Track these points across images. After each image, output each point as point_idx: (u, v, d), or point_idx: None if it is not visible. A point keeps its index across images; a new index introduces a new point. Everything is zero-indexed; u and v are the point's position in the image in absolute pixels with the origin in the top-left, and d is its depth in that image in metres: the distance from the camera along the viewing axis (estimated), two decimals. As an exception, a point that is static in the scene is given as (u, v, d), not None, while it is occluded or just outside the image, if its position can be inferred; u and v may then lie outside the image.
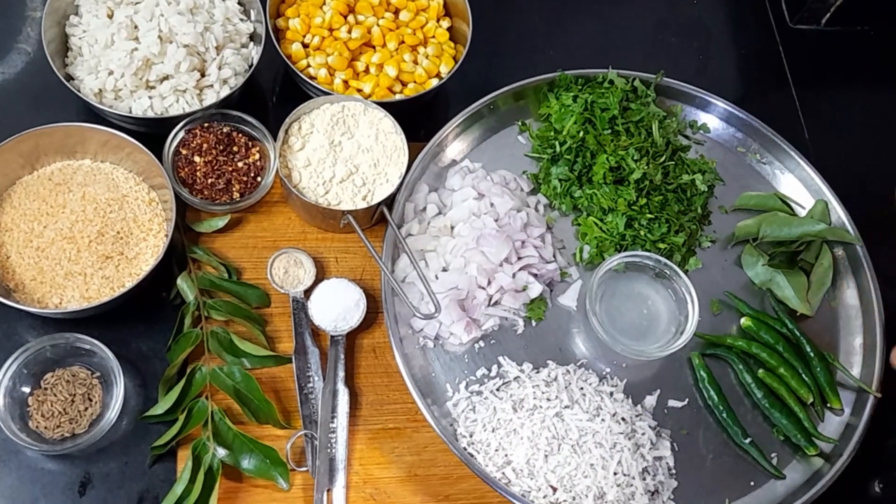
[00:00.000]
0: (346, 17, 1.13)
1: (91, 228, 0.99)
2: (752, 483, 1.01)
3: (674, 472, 1.00)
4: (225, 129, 1.05)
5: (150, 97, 1.04)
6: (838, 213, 1.14)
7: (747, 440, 1.01)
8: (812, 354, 1.06)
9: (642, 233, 1.08)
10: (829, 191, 1.15)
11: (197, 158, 1.04)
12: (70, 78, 1.06)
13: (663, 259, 1.04)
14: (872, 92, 1.37)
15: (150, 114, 1.04)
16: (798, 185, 1.18)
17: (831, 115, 1.32)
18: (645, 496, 0.95)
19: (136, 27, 1.05)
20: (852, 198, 1.16)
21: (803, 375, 1.05)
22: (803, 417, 1.03)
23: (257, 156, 1.06)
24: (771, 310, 1.10)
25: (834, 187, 1.16)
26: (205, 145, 1.04)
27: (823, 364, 1.05)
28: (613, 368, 1.04)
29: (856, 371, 1.08)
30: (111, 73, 1.04)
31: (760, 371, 1.05)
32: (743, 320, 1.08)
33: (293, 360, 0.99)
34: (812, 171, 1.16)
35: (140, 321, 1.00)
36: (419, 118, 1.14)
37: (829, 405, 1.05)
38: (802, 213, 1.16)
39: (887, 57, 1.39)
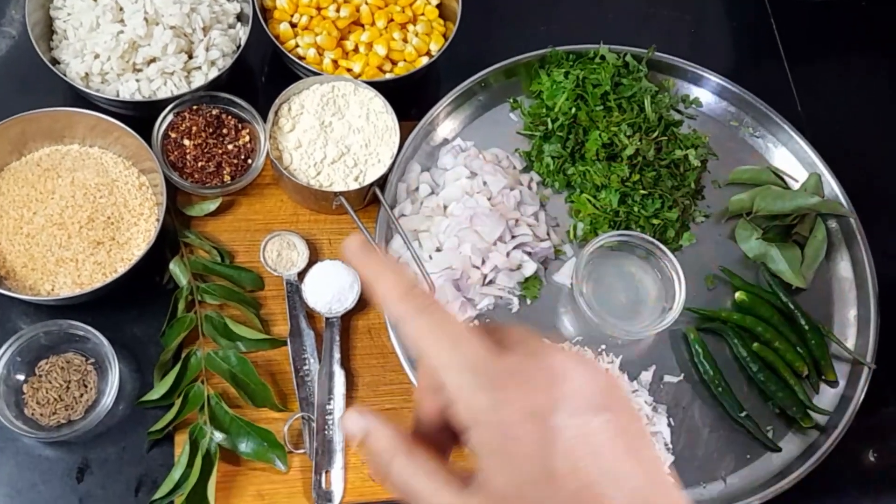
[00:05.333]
0: (334, -5, 1.12)
1: (81, 214, 0.98)
2: (748, 456, 1.02)
3: (670, 446, 1.00)
4: (214, 112, 1.04)
5: (138, 80, 1.03)
6: (832, 185, 1.14)
7: (743, 414, 1.02)
8: (807, 327, 1.06)
9: (636, 209, 1.08)
10: (823, 163, 1.15)
11: (186, 141, 1.03)
12: (56, 62, 1.04)
13: (650, 238, 1.04)
14: (865, 64, 1.36)
15: (137, 97, 1.03)
16: (791, 159, 1.18)
17: (824, 88, 1.31)
18: (642, 471, 0.95)
19: (121, 9, 1.03)
20: (846, 170, 1.16)
21: (798, 348, 1.05)
22: (798, 390, 1.03)
23: (247, 138, 1.05)
24: (765, 283, 1.10)
25: (827, 160, 1.15)
26: (194, 128, 1.03)
27: (818, 337, 1.06)
28: (609, 345, 1.04)
29: (850, 343, 1.09)
30: (97, 56, 1.02)
31: (755, 345, 1.05)
32: (737, 294, 1.08)
33: (288, 342, 0.98)
34: (805, 144, 1.16)
35: (133, 306, 0.99)
36: (410, 97, 1.13)
37: (824, 377, 1.06)
38: (796, 186, 1.15)
39: (879, 28, 1.38)
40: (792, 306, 1.07)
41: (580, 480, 0.40)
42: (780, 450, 1.02)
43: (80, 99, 1.05)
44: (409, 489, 0.43)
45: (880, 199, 1.21)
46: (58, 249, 0.96)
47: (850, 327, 1.10)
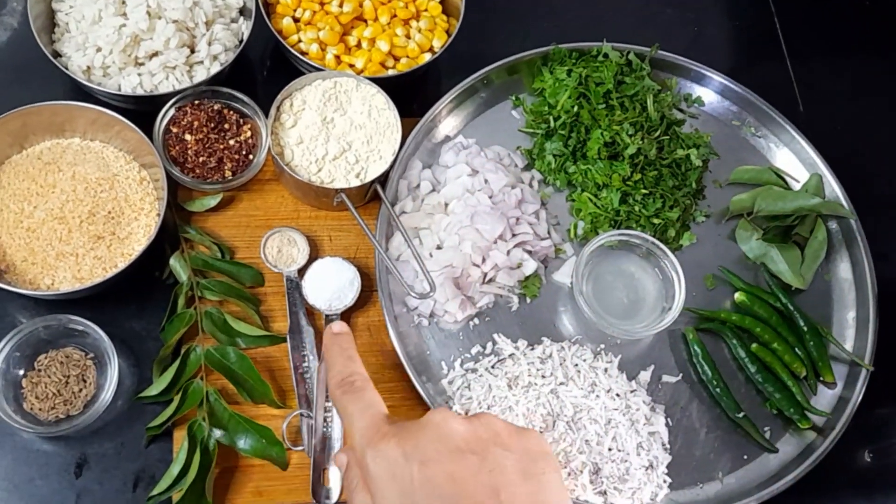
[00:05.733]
0: (336, -10, 1.12)
1: (82, 208, 0.98)
2: (745, 457, 1.02)
3: (668, 446, 1.00)
4: (216, 107, 1.04)
5: (140, 74, 1.03)
6: (833, 186, 1.14)
7: (740, 414, 1.02)
8: (805, 328, 1.06)
9: (637, 208, 1.08)
10: (824, 164, 1.15)
11: (188, 136, 1.02)
12: (57, 55, 1.04)
13: (650, 237, 1.04)
14: (868, 64, 1.36)
15: (139, 91, 1.03)
16: (793, 159, 1.17)
17: (826, 87, 1.31)
18: (640, 471, 0.96)
19: (123, 3, 1.03)
20: (847, 171, 1.16)
21: (797, 349, 1.05)
22: (796, 391, 1.03)
23: (249, 133, 1.05)
24: (765, 284, 1.10)
25: (828, 160, 1.16)
26: (196, 123, 1.03)
27: (817, 338, 1.06)
28: (608, 345, 1.04)
29: (849, 345, 1.09)
30: (99, 49, 1.02)
31: (754, 345, 1.05)
32: (737, 295, 1.08)
33: (288, 339, 0.98)
34: (807, 144, 1.16)
35: (133, 301, 0.99)
36: (412, 93, 1.13)
37: (822, 379, 1.06)
38: (797, 186, 1.15)
39: (882, 28, 1.38)
40: (791, 307, 1.07)
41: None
42: (776, 451, 1.02)
43: (82, 92, 1.04)
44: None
45: (881, 201, 1.21)
46: (58, 244, 0.96)
47: (849, 329, 1.10)
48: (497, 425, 0.54)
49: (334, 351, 0.64)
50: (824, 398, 1.06)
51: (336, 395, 0.61)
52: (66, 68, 1.02)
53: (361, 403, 0.58)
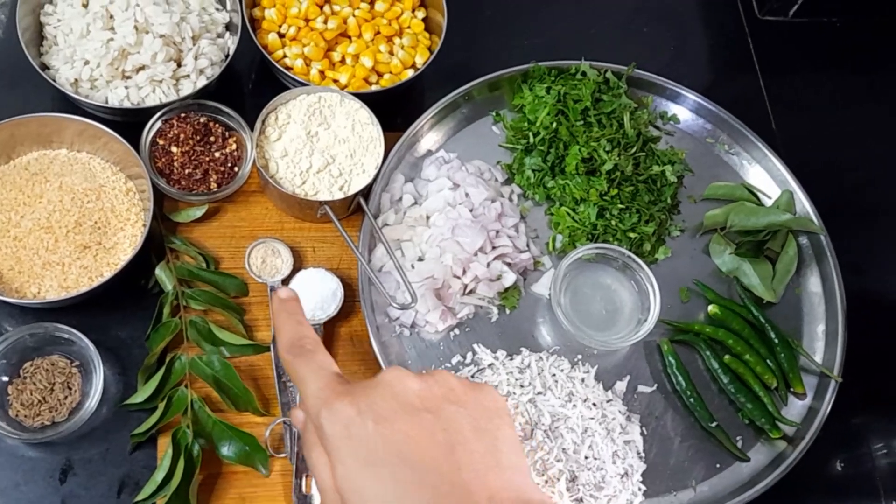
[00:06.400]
0: (321, 7, 1.14)
1: (69, 218, 0.99)
2: (718, 465, 1.05)
3: (643, 455, 1.03)
4: (202, 120, 1.06)
5: (127, 87, 1.05)
6: (803, 203, 1.17)
7: (713, 424, 1.05)
8: (777, 340, 1.09)
9: (613, 223, 1.10)
10: (795, 181, 1.18)
11: (174, 149, 1.04)
12: (45, 67, 1.06)
13: (627, 251, 1.07)
14: (838, 82, 1.39)
15: (126, 104, 1.04)
16: (765, 176, 1.21)
17: (798, 106, 1.34)
18: (615, 478, 0.98)
19: (111, 17, 1.05)
20: (818, 187, 1.19)
21: (768, 361, 1.08)
22: (768, 402, 1.06)
23: (234, 146, 1.07)
24: (737, 297, 1.13)
25: (800, 177, 1.19)
26: (182, 135, 1.04)
27: (787, 350, 1.09)
28: (585, 355, 1.06)
29: (819, 357, 1.12)
30: (87, 62, 1.04)
31: (727, 357, 1.08)
32: (710, 307, 1.11)
33: (271, 348, 1.00)
34: (778, 161, 1.19)
35: (119, 310, 1.01)
36: (395, 108, 1.16)
37: (792, 390, 1.09)
38: (769, 202, 1.19)
39: (853, 48, 1.42)
40: (763, 320, 1.10)
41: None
42: (748, 459, 1.05)
43: (69, 104, 1.06)
44: (313, 470, 0.54)
45: (850, 217, 1.24)
46: (45, 253, 0.98)
47: (819, 341, 1.13)
48: (451, 381, 0.54)
49: (282, 316, 0.63)
50: (794, 409, 1.09)
51: (287, 358, 0.59)
52: (54, 80, 1.03)
53: (313, 365, 0.57)
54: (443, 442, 0.49)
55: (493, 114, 1.19)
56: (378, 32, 1.14)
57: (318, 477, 0.52)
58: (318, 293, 1.02)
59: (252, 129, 1.05)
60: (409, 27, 1.17)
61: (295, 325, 0.62)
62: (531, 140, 1.14)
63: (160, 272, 1.01)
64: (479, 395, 0.53)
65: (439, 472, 0.47)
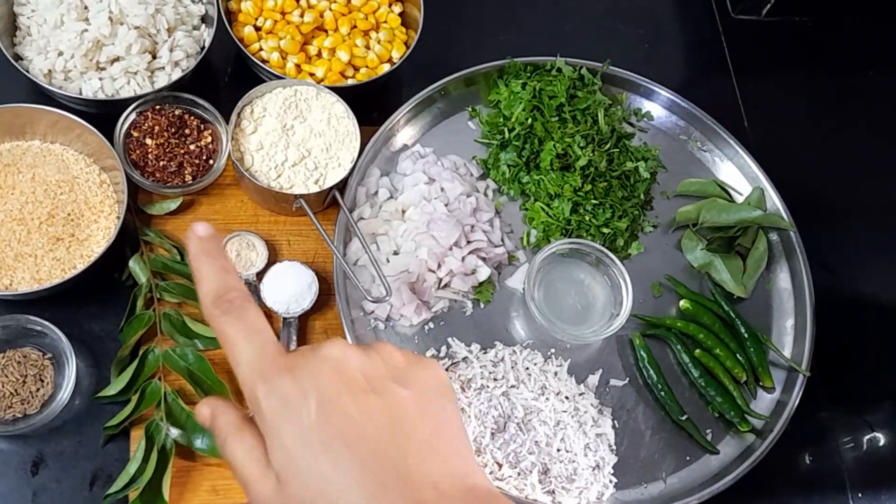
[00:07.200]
0: (298, 0, 1.14)
1: (41, 210, 0.99)
2: (688, 458, 1.06)
3: (614, 447, 1.04)
4: (177, 112, 1.06)
5: (101, 79, 1.04)
6: (774, 200, 1.19)
7: (684, 417, 1.06)
8: (746, 335, 1.11)
9: (587, 218, 1.11)
10: (766, 178, 1.20)
11: (149, 141, 1.04)
12: (19, 58, 1.05)
13: (600, 246, 1.08)
14: (810, 81, 1.41)
15: (100, 95, 1.04)
16: (736, 173, 1.22)
17: (770, 104, 1.36)
18: (587, 471, 0.99)
19: (86, 8, 1.04)
20: (788, 185, 1.21)
21: (738, 355, 1.10)
22: (737, 395, 1.08)
23: (209, 139, 1.07)
24: (708, 292, 1.14)
25: (770, 174, 1.20)
26: (156, 128, 1.04)
27: (757, 344, 1.11)
28: (558, 349, 1.07)
29: (787, 351, 1.14)
30: (61, 53, 1.03)
31: (697, 351, 1.09)
32: (682, 302, 1.12)
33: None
34: (750, 159, 1.21)
35: (92, 302, 1.00)
36: (371, 102, 1.16)
37: (761, 383, 1.11)
38: (740, 199, 1.20)
39: (824, 47, 1.44)
40: (733, 315, 1.11)
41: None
42: (718, 452, 1.06)
43: (43, 95, 1.05)
44: (232, 460, 0.49)
45: (820, 214, 1.26)
46: (17, 245, 0.97)
47: (788, 336, 1.15)
48: (396, 356, 0.50)
49: (201, 260, 0.51)
50: (763, 402, 1.10)
51: (213, 315, 0.49)
52: (28, 71, 1.03)
53: (246, 327, 0.49)
54: (387, 425, 0.47)
55: (469, 109, 1.19)
56: (355, 26, 1.15)
57: (242, 464, 0.48)
58: (293, 287, 1.02)
59: (227, 121, 1.05)
60: (385, 22, 1.17)
61: (220, 273, 0.51)
62: (506, 135, 1.15)
63: (134, 265, 1.00)
64: (424, 373, 0.50)
65: (384, 459, 0.46)
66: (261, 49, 1.12)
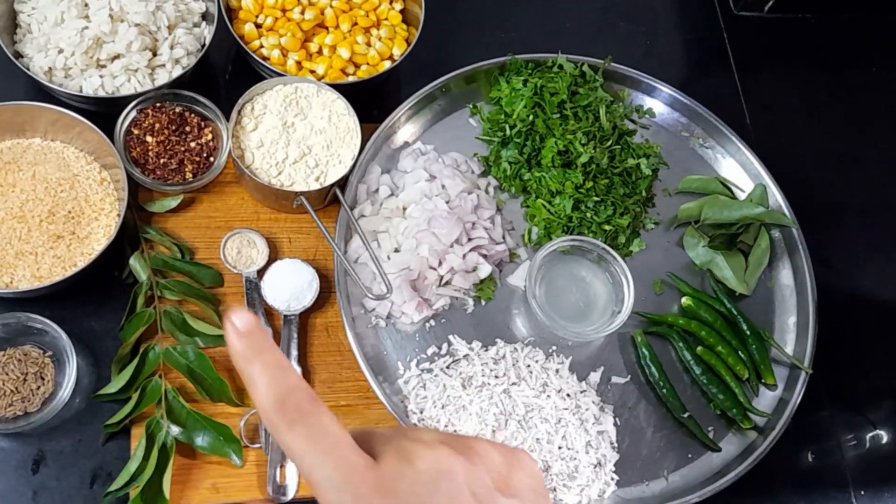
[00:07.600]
0: (299, -3, 1.14)
1: (42, 208, 0.99)
2: (689, 455, 1.06)
3: (616, 445, 1.04)
4: (177, 109, 1.06)
5: (101, 76, 1.04)
6: (776, 196, 1.19)
7: (685, 414, 1.06)
8: (748, 332, 1.10)
9: (588, 215, 1.11)
10: (768, 175, 1.20)
11: (149, 138, 1.04)
12: (19, 55, 1.05)
13: (601, 243, 1.08)
14: (812, 78, 1.41)
15: (100, 93, 1.04)
16: (738, 169, 1.22)
17: (772, 101, 1.36)
18: (588, 468, 0.99)
19: (86, 5, 1.04)
20: (790, 182, 1.21)
21: (740, 353, 1.10)
22: (739, 393, 1.07)
23: (210, 136, 1.06)
24: (710, 289, 1.14)
25: (772, 171, 1.20)
26: (157, 125, 1.04)
27: (759, 342, 1.10)
28: (559, 346, 1.07)
29: (789, 348, 1.13)
30: (61, 51, 1.03)
31: (699, 348, 1.09)
32: (683, 299, 1.12)
33: (246, 339, 1.00)
34: (752, 155, 1.21)
35: (92, 300, 1.00)
36: (372, 99, 1.16)
37: (763, 381, 1.10)
38: (742, 196, 1.20)
39: (826, 44, 1.44)
40: (735, 312, 1.11)
41: None
42: (719, 450, 1.06)
43: (43, 93, 1.05)
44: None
45: (822, 211, 1.26)
46: (17, 242, 0.97)
47: (790, 333, 1.15)
48: (495, 460, 0.45)
49: (252, 361, 0.43)
50: (765, 400, 1.10)
51: (279, 426, 0.42)
52: (28, 69, 1.02)
53: (322, 439, 0.42)
54: None
55: (470, 106, 1.19)
56: (355, 23, 1.14)
57: None
58: (294, 284, 1.02)
59: (228, 119, 1.05)
60: (386, 19, 1.17)
61: (277, 374, 0.43)
62: (508, 132, 1.14)
63: (134, 262, 1.00)
64: (523, 474, 0.46)
65: None
66: (261, 46, 1.12)
